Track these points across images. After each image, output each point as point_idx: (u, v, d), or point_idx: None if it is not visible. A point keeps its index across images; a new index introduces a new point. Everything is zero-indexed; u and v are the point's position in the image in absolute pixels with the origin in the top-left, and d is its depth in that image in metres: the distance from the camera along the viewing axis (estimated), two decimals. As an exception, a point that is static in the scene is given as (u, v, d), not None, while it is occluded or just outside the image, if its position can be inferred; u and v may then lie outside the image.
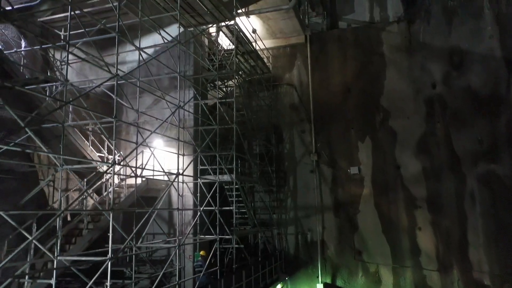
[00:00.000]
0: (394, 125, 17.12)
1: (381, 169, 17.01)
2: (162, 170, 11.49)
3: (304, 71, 18.59)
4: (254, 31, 16.53)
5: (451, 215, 15.83)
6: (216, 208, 12.52)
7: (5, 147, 7.15)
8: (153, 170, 12.03)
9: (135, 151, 10.52)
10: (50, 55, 12.73)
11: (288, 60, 18.96)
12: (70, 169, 8.70)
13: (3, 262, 6.39)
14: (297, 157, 18.18)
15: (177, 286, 10.50)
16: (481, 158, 15.81)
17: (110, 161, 11.96)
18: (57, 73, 11.60)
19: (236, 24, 13.57)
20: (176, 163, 12.12)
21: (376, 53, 17.77)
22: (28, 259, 8.84)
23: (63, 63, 11.84)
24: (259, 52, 17.33)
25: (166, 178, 11.99)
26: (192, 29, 13.79)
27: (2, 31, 9.98)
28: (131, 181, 12.91)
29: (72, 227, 10.15)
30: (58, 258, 7.43)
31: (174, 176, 11.24)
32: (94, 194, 11.63)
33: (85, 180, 10.65)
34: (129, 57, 15.03)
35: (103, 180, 11.66)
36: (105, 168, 11.59)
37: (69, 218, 11.27)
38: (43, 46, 10.12)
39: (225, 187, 13.90)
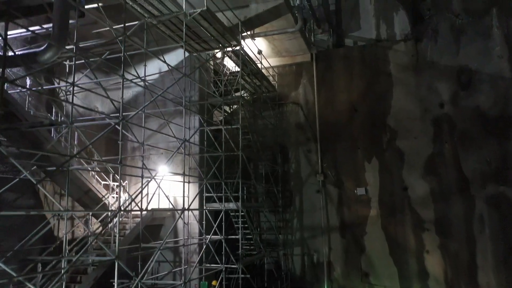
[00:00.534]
0: (401, 145, 16.92)
1: (388, 190, 16.82)
2: (168, 202, 11.43)
3: (310, 90, 18.45)
4: (259, 52, 16.43)
5: (459, 238, 15.62)
6: (222, 237, 12.43)
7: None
8: (159, 203, 11.98)
9: (140, 184, 10.43)
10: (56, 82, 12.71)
11: (293, 78, 18.83)
12: (74, 214, 8.59)
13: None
14: (303, 177, 18.03)
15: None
16: (490, 179, 15.60)
17: (115, 199, 11.88)
18: (63, 103, 11.60)
19: (241, 48, 13.45)
20: (181, 189, 12.10)
21: (383, 72, 17.58)
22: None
23: (68, 93, 11.79)
24: (264, 70, 17.24)
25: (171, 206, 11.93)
26: (197, 54, 13.71)
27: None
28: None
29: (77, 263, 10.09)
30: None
31: (180, 206, 11.18)
32: (100, 226, 11.57)
33: (91, 214, 10.58)
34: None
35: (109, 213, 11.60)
36: (111, 202, 11.54)
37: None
38: (48, 87, 10.08)
39: (231, 214, 13.79)
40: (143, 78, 11.27)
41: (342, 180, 17.47)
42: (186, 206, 12.32)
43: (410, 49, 17.41)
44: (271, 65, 18.52)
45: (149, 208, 12.12)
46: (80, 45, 9.48)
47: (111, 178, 12.91)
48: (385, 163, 17.00)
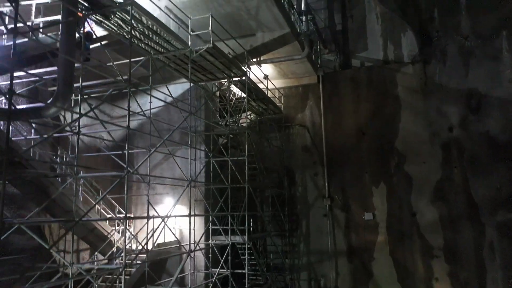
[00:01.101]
0: (410, 169, 16.69)
1: (396, 216, 16.59)
2: (174, 235, 11.32)
3: (317, 112, 18.26)
4: (265, 77, 16.28)
5: (469, 266, 15.37)
6: (229, 271, 12.30)
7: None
8: (164, 236, 11.86)
9: (145, 225, 10.32)
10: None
11: (300, 100, 18.65)
12: (80, 268, 8.50)
13: None
14: (309, 200, 17.85)
15: None
16: (500, 206, 15.32)
17: (120, 234, 11.79)
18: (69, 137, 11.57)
19: (248, 78, 13.31)
20: (187, 221, 12.00)
21: (390, 94, 17.36)
22: None
23: (74, 128, 11.70)
24: (270, 91, 17.12)
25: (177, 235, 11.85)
26: (203, 84, 13.60)
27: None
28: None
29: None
30: None
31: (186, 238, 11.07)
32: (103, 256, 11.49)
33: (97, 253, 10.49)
34: (139, 109, 14.84)
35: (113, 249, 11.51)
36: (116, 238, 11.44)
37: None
38: (54, 135, 10.01)
39: (237, 246, 13.65)
40: (147, 111, 11.21)
41: (350, 204, 17.26)
42: (192, 241, 12.22)
43: (418, 71, 17.17)
44: (277, 86, 18.37)
45: (155, 243, 11.99)
46: (84, 85, 9.38)
47: (116, 211, 12.82)
48: (393, 188, 16.78)
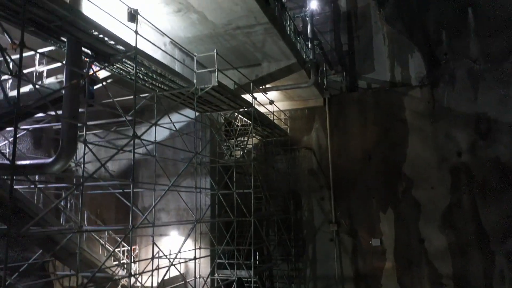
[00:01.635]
0: (418, 195, 16.44)
1: (404, 242, 16.36)
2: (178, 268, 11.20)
3: (323, 134, 18.05)
4: (271, 102, 16.12)
5: (479, 296, 15.12)
6: (235, 307, 12.16)
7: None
8: (169, 272, 11.72)
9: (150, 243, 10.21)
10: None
11: (306, 122, 18.44)
12: None
13: None
14: (316, 225, 17.65)
15: None
16: (510, 234, 15.06)
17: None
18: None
19: (254, 108, 13.15)
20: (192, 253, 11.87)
21: (398, 118, 17.12)
22: None
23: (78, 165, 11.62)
24: (275, 115, 16.98)
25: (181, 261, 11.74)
26: (208, 114, 13.48)
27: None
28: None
29: None
30: None
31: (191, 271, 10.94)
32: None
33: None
34: (145, 136, 14.75)
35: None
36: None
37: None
38: (58, 185, 9.93)
39: (243, 279, 13.49)
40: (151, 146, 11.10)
41: (356, 229, 17.05)
42: (197, 275, 12.10)
43: (426, 95, 16.92)
44: (283, 108, 18.19)
45: (159, 278, 11.87)
46: (89, 124, 9.32)
47: (120, 245, 12.71)
48: (400, 214, 16.54)
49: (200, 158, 13.29)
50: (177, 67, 11.53)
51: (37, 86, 8.93)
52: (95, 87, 9.84)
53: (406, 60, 17.98)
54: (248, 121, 14.56)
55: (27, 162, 7.49)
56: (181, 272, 12.34)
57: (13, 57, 7.53)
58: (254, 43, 11.77)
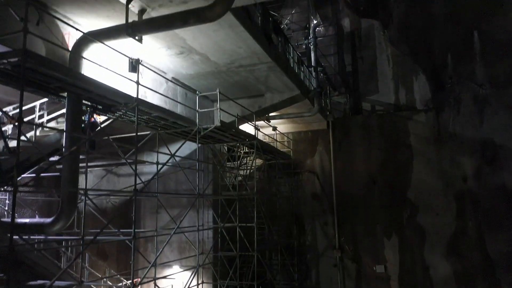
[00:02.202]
0: (422, 221, 16.24)
1: (408, 269, 16.17)
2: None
3: (327, 158, 17.86)
4: (274, 128, 15.96)
5: (485, 326, 14.93)
6: None
7: None
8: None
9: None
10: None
11: (309, 145, 18.24)
12: None
13: None
14: (319, 250, 17.48)
15: None
16: (517, 263, 14.86)
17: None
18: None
19: (256, 139, 12.99)
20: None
21: (402, 143, 16.92)
22: None
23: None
24: (278, 135, 16.84)
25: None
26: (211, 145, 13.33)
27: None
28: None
29: None
30: None
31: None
32: None
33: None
34: (147, 168, 14.64)
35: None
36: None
37: None
38: (58, 238, 9.80)
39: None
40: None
41: (360, 255, 16.87)
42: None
43: (431, 120, 16.71)
44: (286, 131, 18.02)
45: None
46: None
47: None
48: (405, 240, 16.34)
49: (202, 191, 13.14)
50: (179, 104, 11.41)
51: (37, 133, 8.82)
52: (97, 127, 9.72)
53: (411, 83, 17.77)
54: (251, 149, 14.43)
55: (27, 220, 7.36)
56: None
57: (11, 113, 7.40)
58: (257, 78, 11.61)
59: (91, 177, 13.84)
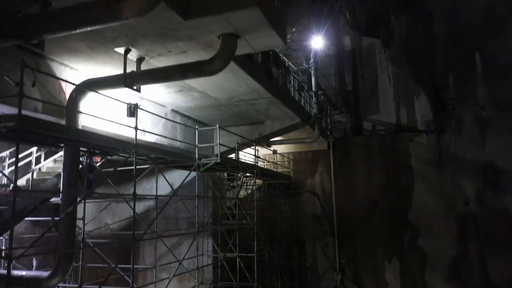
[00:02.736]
0: (424, 244, 16.12)
1: (410, 293, 16.08)
2: None
3: (327, 178, 17.73)
4: (274, 152, 15.84)
5: None
6: None
7: None
8: None
9: None
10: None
11: (310, 165, 18.11)
12: None
13: None
14: (320, 271, 17.36)
15: None
16: (519, 288, 14.76)
17: None
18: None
19: (257, 167, 12.88)
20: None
21: (403, 164, 16.79)
22: None
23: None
24: (279, 157, 16.75)
25: None
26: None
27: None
28: None
29: None
30: None
31: None
32: None
33: None
34: (146, 191, 14.51)
35: None
36: None
37: None
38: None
39: None
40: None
41: (361, 278, 16.76)
42: None
43: (433, 141, 16.58)
44: (286, 151, 17.88)
45: None
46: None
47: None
48: (406, 263, 16.23)
49: (202, 219, 13.02)
50: (178, 133, 11.29)
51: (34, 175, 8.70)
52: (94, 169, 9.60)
53: (412, 102, 17.64)
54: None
55: (24, 273, 7.24)
56: None
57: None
58: (257, 110, 11.51)
59: (89, 206, 13.70)
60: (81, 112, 6.96)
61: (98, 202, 13.15)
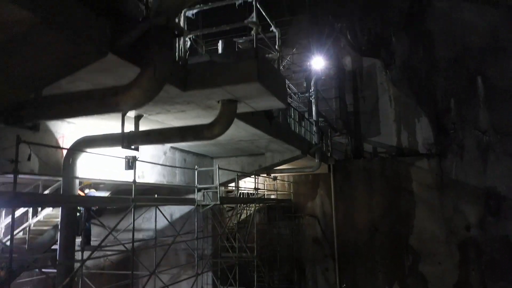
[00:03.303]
0: (425, 270, 16.03)
1: (411, 319, 15.99)
2: None
3: (328, 201, 17.62)
4: (274, 178, 15.72)
5: None
6: None
7: None
8: None
9: None
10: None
11: (310, 188, 18.00)
12: None
13: None
14: (320, 296, 17.30)
15: None
16: (520, 316, 14.68)
17: None
18: None
19: (257, 200, 12.78)
20: None
21: (404, 189, 16.68)
22: None
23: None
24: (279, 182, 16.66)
25: None
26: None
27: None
28: None
29: None
30: None
31: None
32: None
33: None
34: (145, 224, 14.39)
35: None
36: None
37: None
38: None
39: None
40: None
41: (362, 303, 16.68)
42: None
43: (434, 166, 16.46)
44: (287, 173, 17.72)
45: None
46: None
47: None
48: (407, 290, 16.15)
49: (202, 251, 12.91)
50: (177, 171, 11.18)
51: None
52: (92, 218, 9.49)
53: (413, 125, 17.50)
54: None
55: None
56: None
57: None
58: (257, 146, 11.39)
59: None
60: (78, 178, 6.83)
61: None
